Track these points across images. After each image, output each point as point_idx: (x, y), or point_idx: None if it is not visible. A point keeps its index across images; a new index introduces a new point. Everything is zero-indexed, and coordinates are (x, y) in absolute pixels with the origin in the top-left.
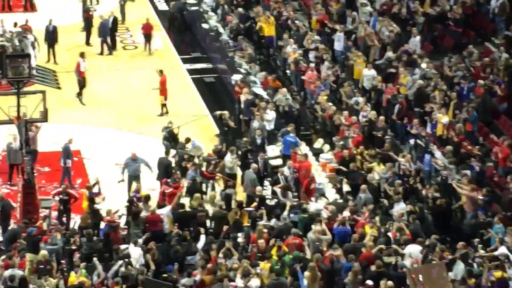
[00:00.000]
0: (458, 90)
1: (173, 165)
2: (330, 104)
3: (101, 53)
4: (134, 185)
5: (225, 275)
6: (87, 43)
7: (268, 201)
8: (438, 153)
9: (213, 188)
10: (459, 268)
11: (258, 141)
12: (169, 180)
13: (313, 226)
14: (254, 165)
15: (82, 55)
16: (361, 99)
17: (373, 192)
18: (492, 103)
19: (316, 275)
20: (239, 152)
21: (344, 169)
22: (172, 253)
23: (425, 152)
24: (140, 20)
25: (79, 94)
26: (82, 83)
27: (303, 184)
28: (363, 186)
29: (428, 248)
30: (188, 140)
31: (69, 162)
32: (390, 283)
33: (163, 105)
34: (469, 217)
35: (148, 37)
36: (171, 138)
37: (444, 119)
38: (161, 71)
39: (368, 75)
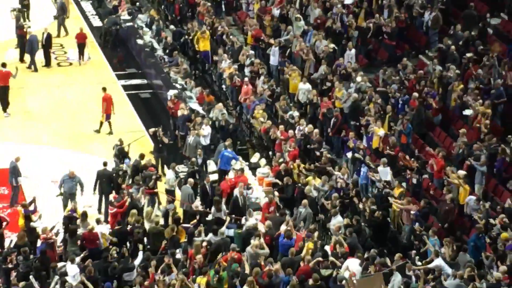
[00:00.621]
0: (393, 102)
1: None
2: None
3: (35, 70)
4: (69, 203)
5: None
6: (21, 59)
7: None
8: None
9: (151, 204)
10: (396, 279)
11: (199, 160)
12: (113, 200)
13: (251, 241)
14: (191, 180)
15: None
16: (296, 113)
17: (310, 206)
18: (426, 115)
19: None
20: (183, 172)
21: (280, 183)
22: (110, 270)
23: (361, 165)
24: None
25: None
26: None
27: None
28: (304, 201)
29: (367, 261)
30: (142, 156)
31: (20, 180)
32: None
33: (101, 123)
34: (406, 230)
35: (81, 46)
36: (121, 156)
37: (380, 131)
38: (104, 88)
39: (303, 89)
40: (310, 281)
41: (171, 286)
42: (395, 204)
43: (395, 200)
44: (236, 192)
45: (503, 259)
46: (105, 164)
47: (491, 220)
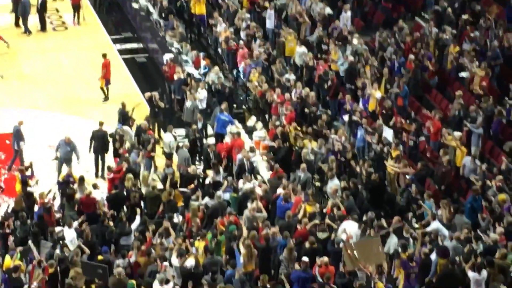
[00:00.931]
0: (389, 65)
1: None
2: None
3: (29, 32)
4: (64, 167)
5: (160, 255)
6: (16, 24)
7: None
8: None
9: (147, 168)
10: (392, 241)
11: (199, 125)
12: (111, 166)
13: (248, 204)
14: (186, 143)
15: None
16: (292, 76)
17: (307, 169)
18: (423, 77)
19: (252, 253)
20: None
21: (276, 146)
22: (107, 234)
23: (358, 128)
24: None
25: None
26: None
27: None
28: (303, 165)
29: (365, 223)
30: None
31: (22, 144)
32: (325, 259)
33: (102, 89)
34: (403, 192)
35: (76, 8)
36: (122, 119)
37: (377, 94)
38: (104, 55)
39: (299, 52)
40: (307, 244)
41: (169, 249)
42: (391, 168)
43: (392, 164)
44: (239, 156)
45: (500, 221)
46: (101, 124)
47: (488, 182)
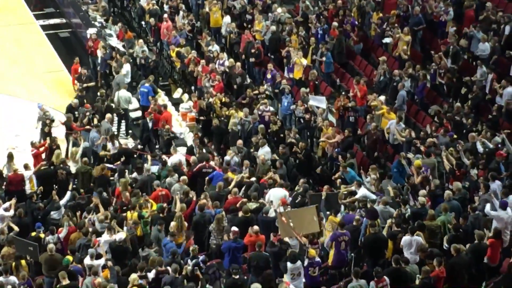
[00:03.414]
0: (314, 33)
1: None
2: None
3: None
4: None
5: (94, 230)
6: None
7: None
8: None
9: (74, 144)
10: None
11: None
12: (34, 141)
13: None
14: (108, 116)
15: None
16: (216, 47)
17: (233, 137)
18: (347, 44)
19: (183, 225)
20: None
21: (202, 118)
22: (35, 210)
23: (283, 96)
24: None
25: None
26: None
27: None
28: (239, 141)
29: (297, 191)
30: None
31: None
32: (255, 228)
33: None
34: (329, 160)
35: None
36: None
37: (303, 61)
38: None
39: (224, 22)
40: (240, 214)
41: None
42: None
43: (323, 140)
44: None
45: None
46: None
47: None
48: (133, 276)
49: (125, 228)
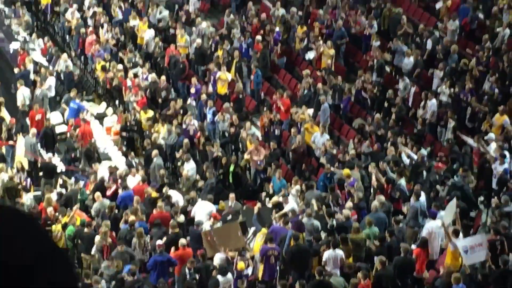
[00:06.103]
0: (238, 47)
1: None
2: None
3: None
4: None
5: None
6: None
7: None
8: None
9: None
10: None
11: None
12: None
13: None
14: (33, 131)
15: None
16: (139, 61)
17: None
18: (271, 58)
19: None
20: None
21: (124, 134)
22: None
23: (207, 111)
24: None
25: None
26: None
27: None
28: (155, 152)
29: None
30: None
31: None
32: (183, 241)
33: None
34: (253, 174)
35: None
36: None
37: (228, 76)
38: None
39: (148, 36)
40: (170, 230)
41: None
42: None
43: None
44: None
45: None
46: None
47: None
48: None
49: None
